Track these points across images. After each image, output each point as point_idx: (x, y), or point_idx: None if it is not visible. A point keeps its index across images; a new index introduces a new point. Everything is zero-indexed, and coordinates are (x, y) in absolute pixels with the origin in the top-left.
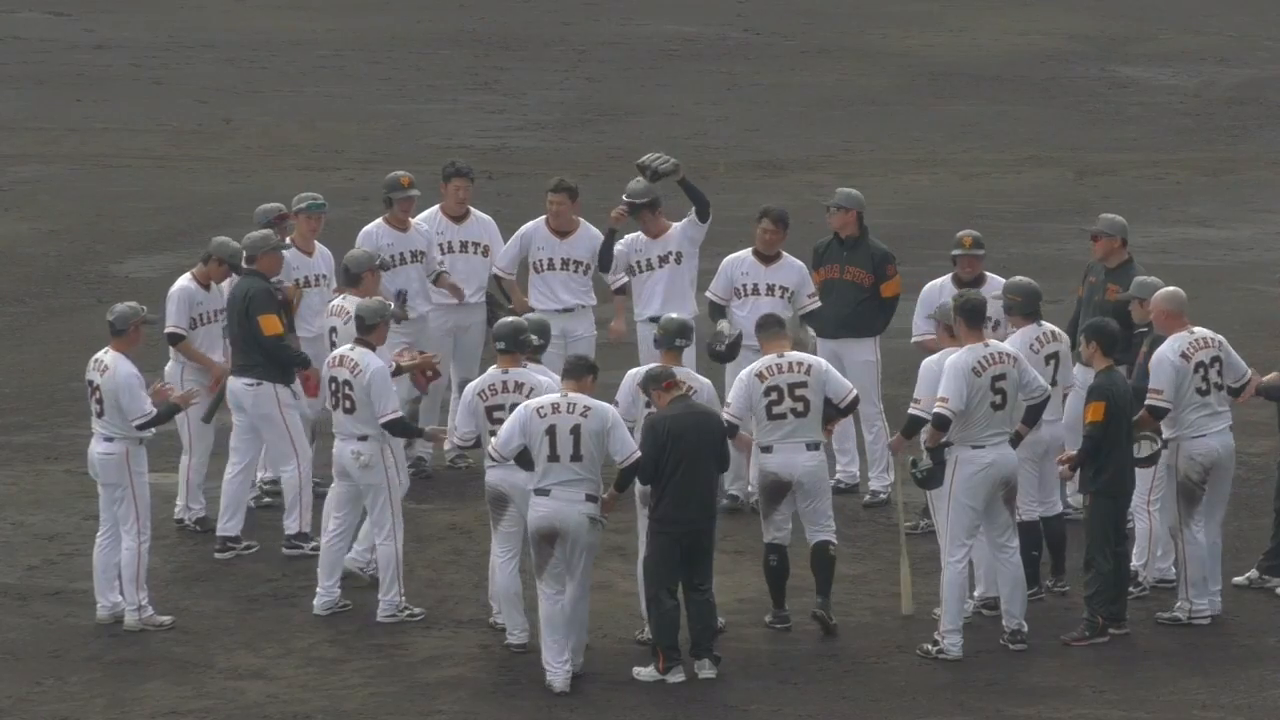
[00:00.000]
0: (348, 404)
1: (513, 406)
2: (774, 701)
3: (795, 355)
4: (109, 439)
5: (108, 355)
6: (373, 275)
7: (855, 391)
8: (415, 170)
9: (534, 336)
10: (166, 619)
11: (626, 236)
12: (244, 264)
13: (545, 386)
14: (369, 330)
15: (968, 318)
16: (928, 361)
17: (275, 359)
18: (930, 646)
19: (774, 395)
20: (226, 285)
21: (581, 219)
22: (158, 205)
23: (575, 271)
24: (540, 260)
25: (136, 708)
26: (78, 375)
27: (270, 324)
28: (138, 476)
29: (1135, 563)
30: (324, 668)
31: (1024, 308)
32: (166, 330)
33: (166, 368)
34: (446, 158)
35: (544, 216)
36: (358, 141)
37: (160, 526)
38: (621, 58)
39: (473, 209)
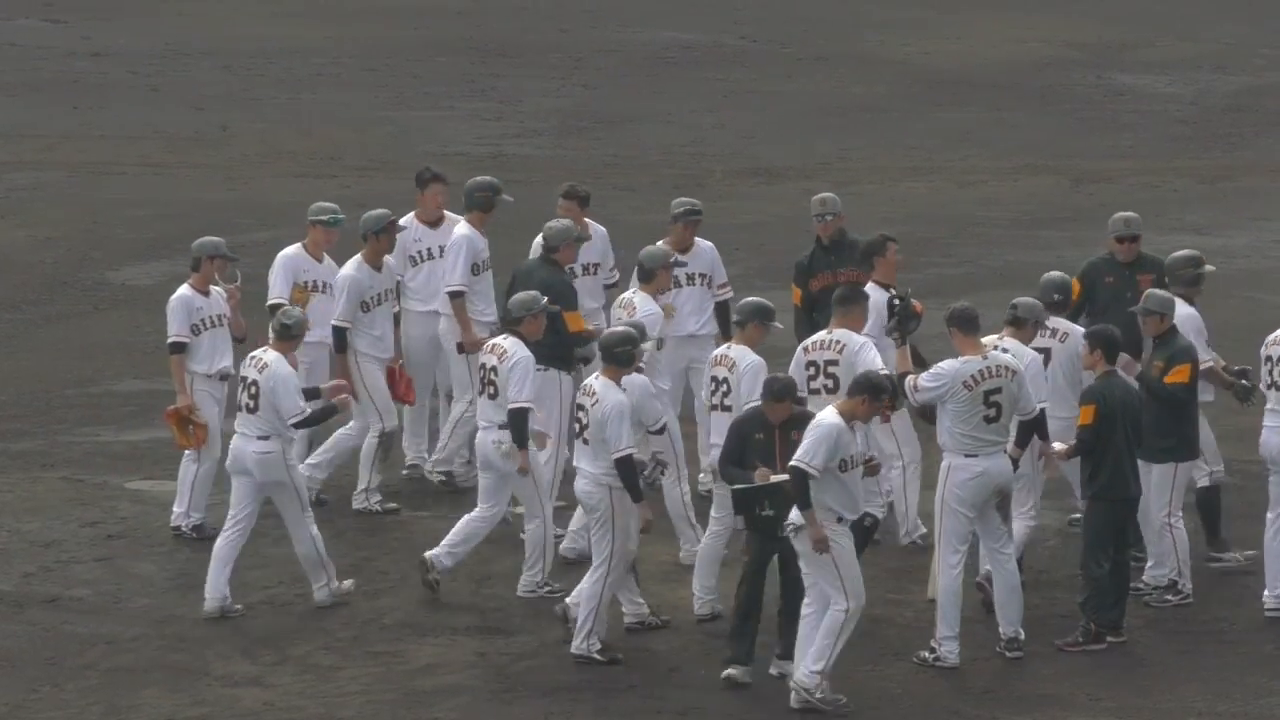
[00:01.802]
0: (492, 390)
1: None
2: (767, 710)
3: (839, 333)
4: (264, 437)
5: (268, 354)
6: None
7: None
8: (411, 177)
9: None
10: (349, 583)
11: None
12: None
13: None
14: (517, 322)
15: (962, 327)
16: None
17: None
18: (927, 654)
19: (811, 370)
20: (218, 289)
21: (588, 219)
22: (154, 212)
23: (593, 274)
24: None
25: (133, 715)
26: (74, 382)
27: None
28: (292, 469)
29: (1173, 574)
30: (320, 675)
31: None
32: (169, 340)
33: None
34: (443, 165)
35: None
36: (354, 149)
37: (155, 534)
38: (618, 65)
39: (447, 214)
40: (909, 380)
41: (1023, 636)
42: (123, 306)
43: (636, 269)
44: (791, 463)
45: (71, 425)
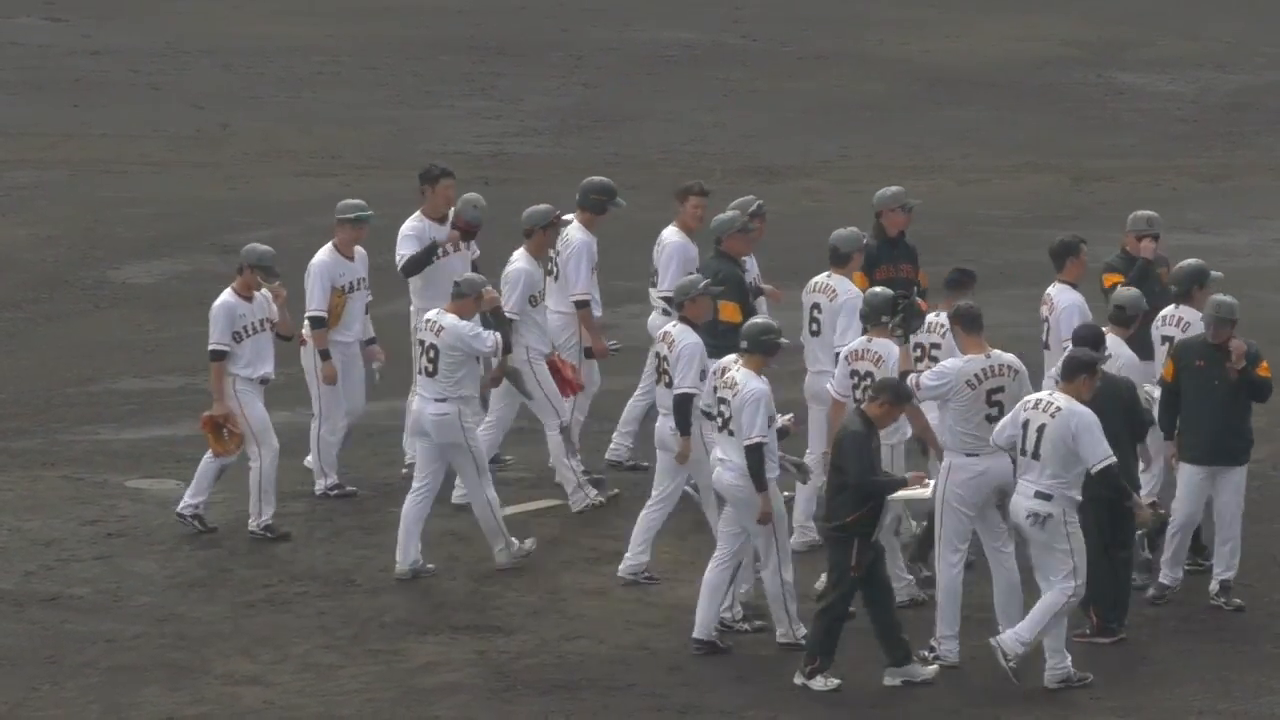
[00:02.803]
0: (667, 378)
1: None
2: (771, 707)
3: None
4: (441, 399)
5: (444, 317)
6: None
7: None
8: (412, 176)
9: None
10: (529, 542)
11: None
12: None
13: None
14: (680, 307)
15: (965, 326)
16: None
17: None
18: (927, 653)
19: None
20: (264, 292)
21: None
22: (155, 211)
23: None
24: (692, 268)
25: (133, 713)
26: (75, 380)
27: None
28: (469, 433)
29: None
30: (320, 674)
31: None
32: (210, 347)
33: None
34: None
35: (673, 228)
36: (354, 147)
37: (155, 532)
38: (619, 64)
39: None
40: (911, 379)
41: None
42: (123, 305)
43: (830, 253)
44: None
45: (71, 424)
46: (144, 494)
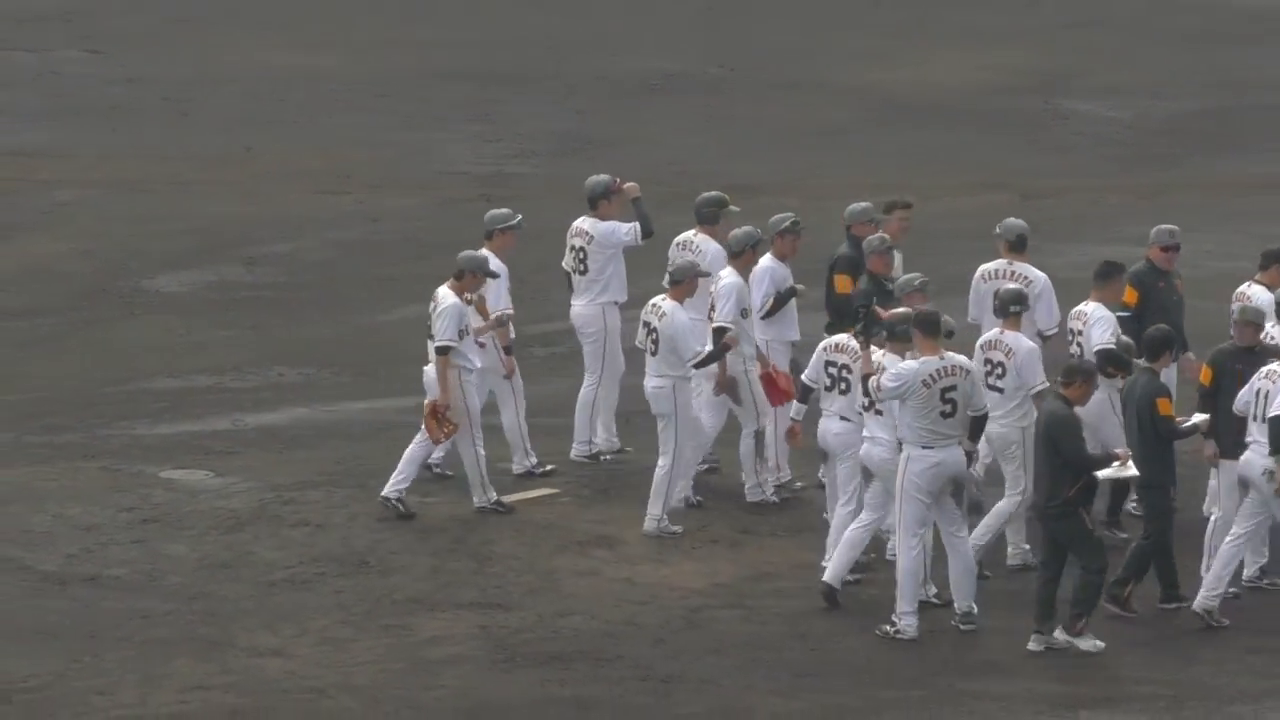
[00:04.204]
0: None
1: None
2: (746, 678)
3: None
4: (659, 376)
5: (666, 303)
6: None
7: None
8: (419, 193)
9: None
10: (678, 528)
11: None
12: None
13: None
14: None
15: (923, 330)
16: None
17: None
18: (888, 627)
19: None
20: (489, 292)
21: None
22: (184, 226)
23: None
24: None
25: (166, 683)
26: (112, 380)
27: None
28: (683, 409)
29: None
30: (336, 647)
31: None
32: (440, 342)
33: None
34: (447, 182)
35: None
36: (366, 167)
37: (187, 518)
38: (608, 91)
39: None
40: (872, 381)
41: (975, 611)
42: (156, 311)
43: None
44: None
45: (110, 420)
46: (176, 483)
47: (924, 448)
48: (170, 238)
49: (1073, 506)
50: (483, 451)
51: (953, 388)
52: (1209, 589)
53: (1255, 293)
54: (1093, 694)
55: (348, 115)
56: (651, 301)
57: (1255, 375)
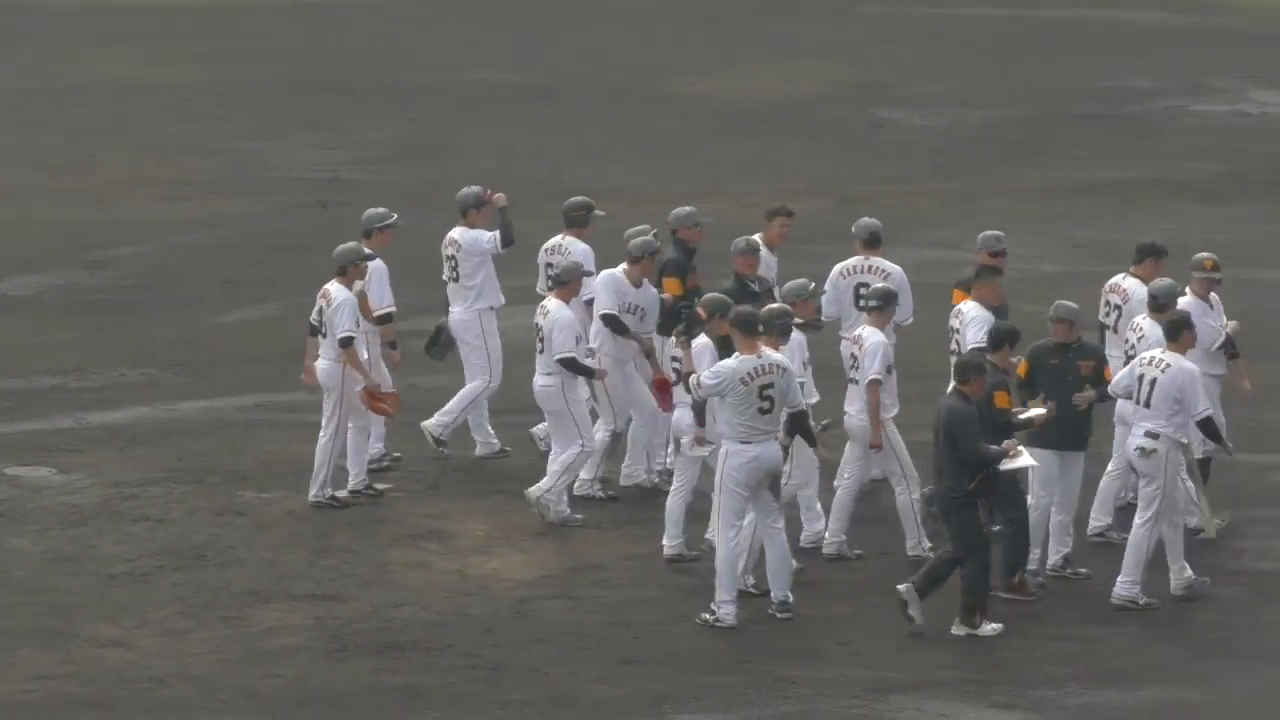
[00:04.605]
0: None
1: None
2: (572, 666)
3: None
4: (547, 374)
5: (551, 302)
6: None
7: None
8: (258, 199)
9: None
10: (579, 517)
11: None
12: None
13: None
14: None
15: (741, 329)
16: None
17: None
18: (708, 615)
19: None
20: (371, 289)
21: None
22: (33, 231)
23: None
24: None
25: (10, 673)
26: None
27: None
28: (574, 405)
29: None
30: (176, 637)
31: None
32: (341, 336)
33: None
34: (285, 188)
35: (754, 240)
36: (206, 174)
37: (30, 514)
38: (440, 100)
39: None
40: (692, 379)
41: (792, 600)
42: (2, 314)
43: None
44: None
45: None
46: (20, 480)
47: (742, 443)
48: (16, 242)
49: (973, 498)
50: (339, 447)
51: (770, 385)
52: (1124, 578)
53: (1130, 286)
54: (904, 679)
55: (189, 124)
56: (542, 303)
57: (1135, 361)
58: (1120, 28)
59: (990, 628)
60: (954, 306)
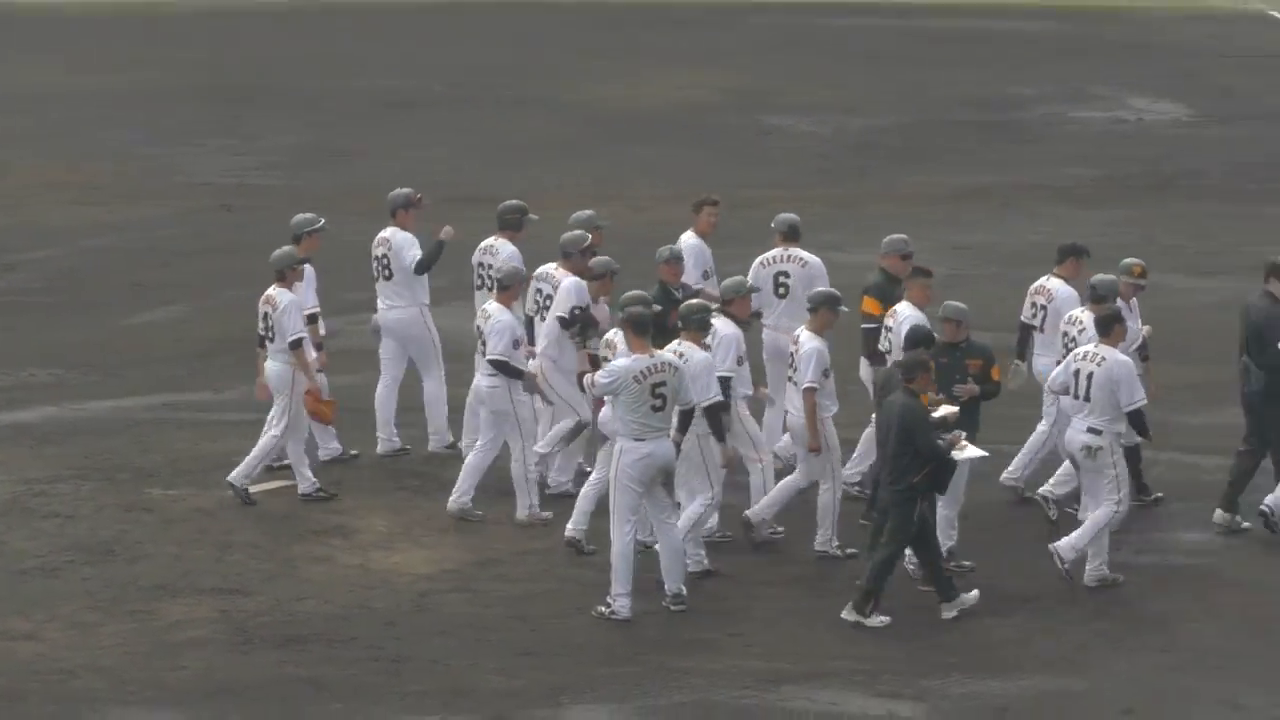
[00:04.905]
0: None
1: None
2: (472, 658)
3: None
4: (493, 375)
5: (491, 305)
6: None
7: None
8: (165, 204)
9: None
10: (548, 514)
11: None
12: None
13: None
14: (729, 303)
15: (632, 329)
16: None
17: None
18: (604, 609)
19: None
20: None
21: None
22: None
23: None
24: (710, 268)
25: None
26: None
27: None
28: (519, 405)
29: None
30: (85, 631)
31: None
32: (291, 338)
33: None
34: (192, 193)
35: (690, 233)
36: (117, 180)
37: None
38: (344, 108)
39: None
40: (587, 378)
41: (685, 592)
42: None
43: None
44: None
45: None
46: None
47: (636, 440)
48: None
49: (915, 492)
50: (280, 446)
51: (662, 383)
52: (1091, 561)
53: (1054, 286)
54: (795, 670)
55: (99, 131)
56: (482, 306)
57: (1070, 356)
58: (1001, 37)
59: (878, 620)
60: (861, 310)
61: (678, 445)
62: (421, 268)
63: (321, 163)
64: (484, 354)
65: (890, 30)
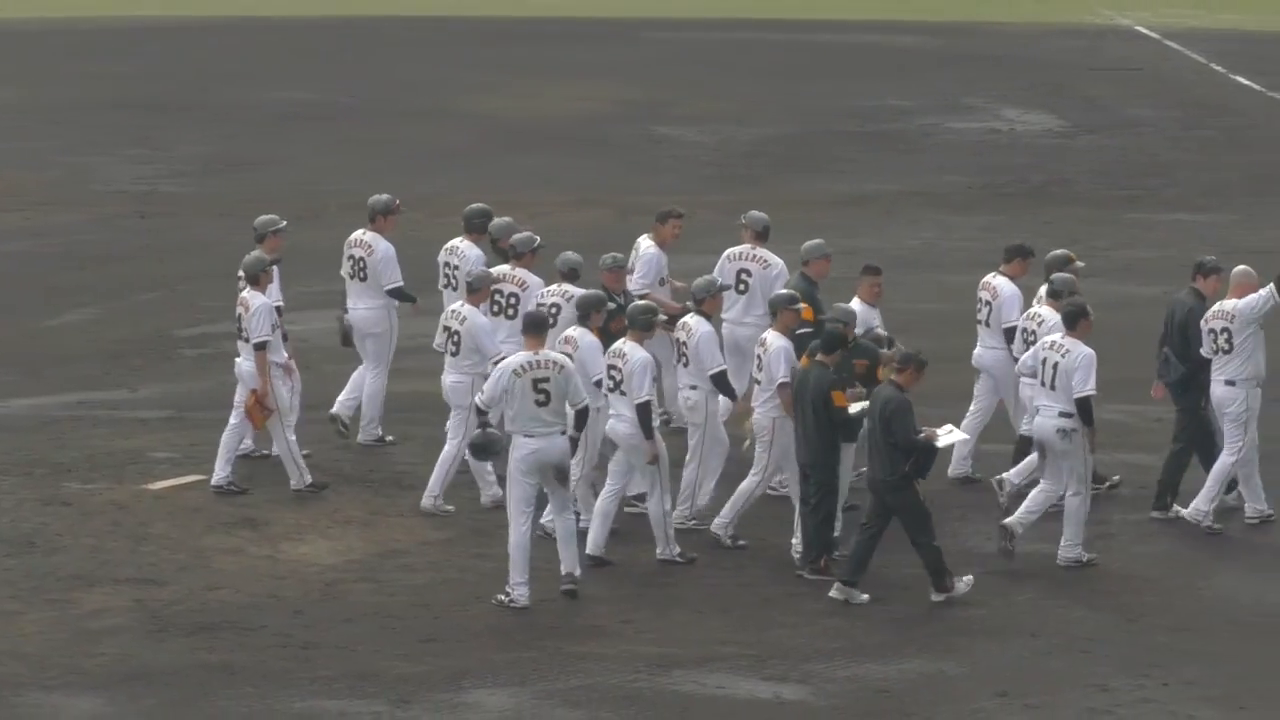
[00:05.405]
0: (685, 360)
1: None
2: (377, 644)
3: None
4: (460, 373)
5: (465, 308)
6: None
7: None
8: (81, 210)
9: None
10: (450, 507)
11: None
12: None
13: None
14: (700, 302)
15: (527, 330)
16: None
17: None
18: (503, 597)
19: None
20: None
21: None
22: None
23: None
24: (665, 275)
25: None
26: None
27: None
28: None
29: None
30: (6, 619)
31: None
32: (256, 340)
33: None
34: (107, 200)
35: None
36: (36, 187)
37: None
38: (251, 118)
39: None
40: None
41: (578, 573)
42: None
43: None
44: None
45: None
46: None
47: (525, 436)
48: None
49: (908, 480)
50: (292, 437)
51: (545, 380)
52: (1065, 541)
53: (999, 284)
54: (685, 655)
55: (18, 140)
56: (451, 308)
57: (1039, 344)
58: (881, 51)
59: (965, 581)
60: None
61: (574, 441)
62: (399, 295)
63: (228, 172)
64: (455, 354)
65: (778, 44)
